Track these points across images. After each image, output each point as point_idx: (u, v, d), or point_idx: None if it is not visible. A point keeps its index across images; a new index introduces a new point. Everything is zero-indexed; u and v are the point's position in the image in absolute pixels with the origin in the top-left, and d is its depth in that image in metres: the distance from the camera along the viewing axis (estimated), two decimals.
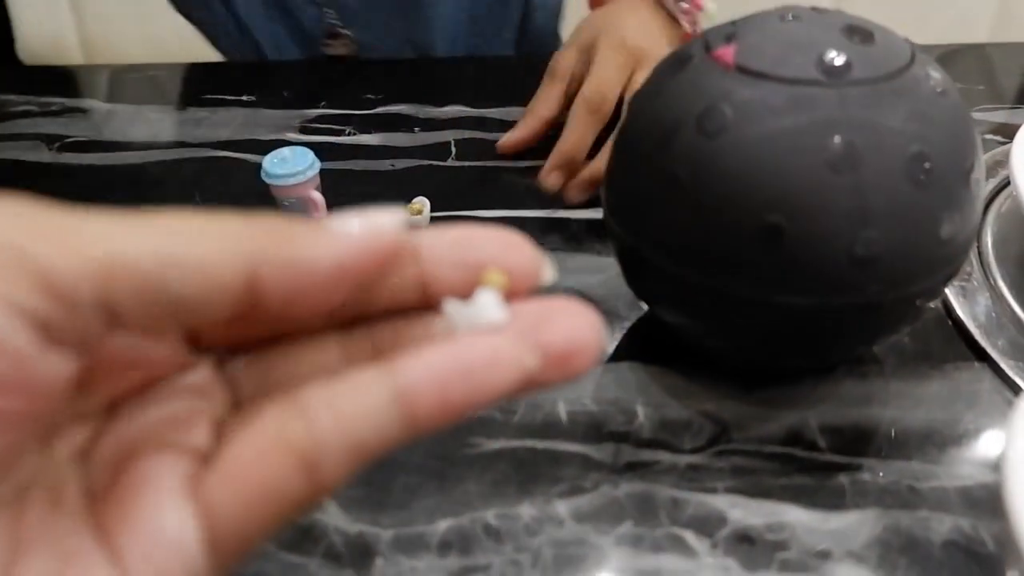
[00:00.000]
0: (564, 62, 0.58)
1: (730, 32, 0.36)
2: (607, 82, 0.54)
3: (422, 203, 0.55)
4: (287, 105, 0.68)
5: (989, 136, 0.62)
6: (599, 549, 0.35)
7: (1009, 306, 0.46)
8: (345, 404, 0.16)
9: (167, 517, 0.16)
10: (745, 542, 0.35)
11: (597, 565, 0.34)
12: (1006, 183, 0.55)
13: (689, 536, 0.35)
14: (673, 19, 0.59)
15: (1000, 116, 0.66)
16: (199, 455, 0.17)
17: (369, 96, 0.69)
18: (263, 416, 0.16)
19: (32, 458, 0.15)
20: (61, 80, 0.74)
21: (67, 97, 0.70)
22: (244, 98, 0.69)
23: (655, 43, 0.57)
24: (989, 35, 1.04)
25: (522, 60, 0.81)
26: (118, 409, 0.17)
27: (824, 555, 0.34)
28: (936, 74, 0.35)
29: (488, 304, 0.18)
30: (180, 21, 0.80)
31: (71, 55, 1.21)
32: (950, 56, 0.76)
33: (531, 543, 0.35)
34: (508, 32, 0.83)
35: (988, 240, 0.52)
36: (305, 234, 0.16)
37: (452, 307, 0.18)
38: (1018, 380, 0.41)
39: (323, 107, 0.68)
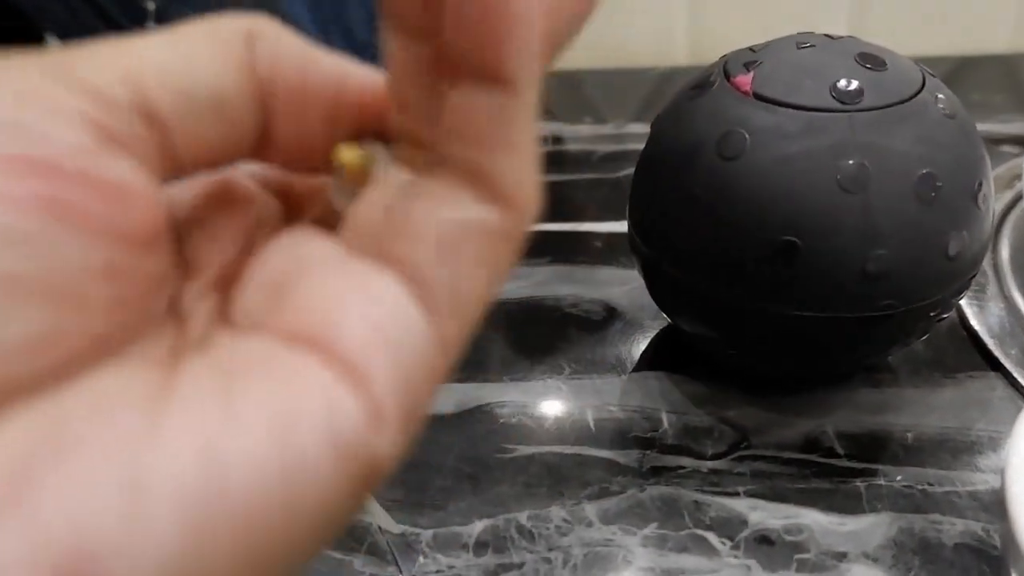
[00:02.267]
0: None
1: (750, 59, 0.38)
2: None
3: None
4: None
5: (1007, 148, 0.64)
6: (626, 549, 0.37)
7: (1022, 316, 0.47)
8: None
9: (378, 280, 0.14)
10: (765, 543, 0.37)
11: (625, 564, 0.36)
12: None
13: (711, 537, 0.37)
14: None
15: (1019, 127, 0.67)
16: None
17: None
18: None
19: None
20: None
21: None
22: None
23: None
24: (1009, 43, 1.04)
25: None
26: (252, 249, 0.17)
27: (840, 556, 0.36)
28: (946, 97, 0.37)
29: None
30: None
31: None
32: (969, 66, 0.78)
33: (562, 542, 0.37)
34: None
35: (1004, 251, 0.53)
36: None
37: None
38: None
39: None
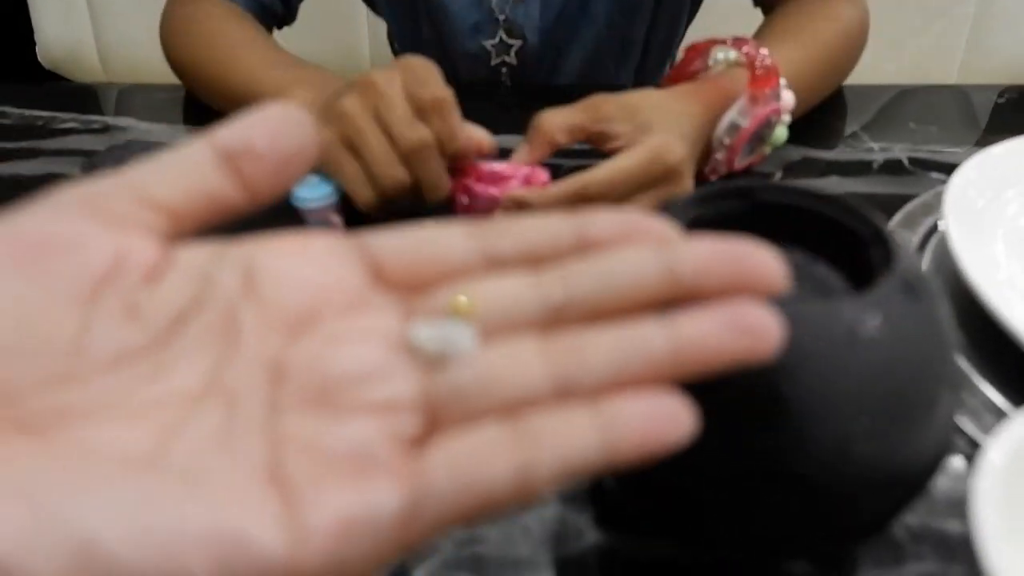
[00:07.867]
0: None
1: None
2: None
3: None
4: None
5: (935, 174, 0.70)
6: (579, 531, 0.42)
7: None
8: (561, 430, 0.19)
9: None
10: None
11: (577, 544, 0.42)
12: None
13: None
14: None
15: (949, 156, 0.73)
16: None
17: None
18: (483, 424, 0.19)
19: None
20: (102, 99, 0.81)
21: (109, 115, 0.77)
22: None
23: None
24: (959, 76, 1.10)
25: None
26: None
27: None
28: None
29: (458, 336, 0.19)
30: None
31: (90, 63, 1.25)
32: (908, 96, 0.83)
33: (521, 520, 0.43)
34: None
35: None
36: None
37: (420, 331, 0.19)
38: None
39: None
